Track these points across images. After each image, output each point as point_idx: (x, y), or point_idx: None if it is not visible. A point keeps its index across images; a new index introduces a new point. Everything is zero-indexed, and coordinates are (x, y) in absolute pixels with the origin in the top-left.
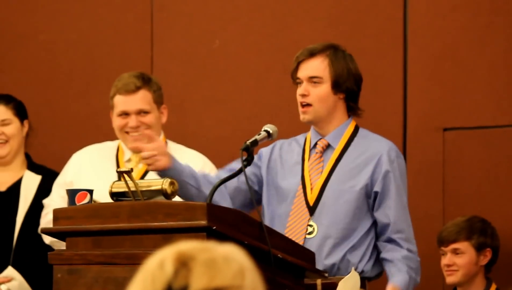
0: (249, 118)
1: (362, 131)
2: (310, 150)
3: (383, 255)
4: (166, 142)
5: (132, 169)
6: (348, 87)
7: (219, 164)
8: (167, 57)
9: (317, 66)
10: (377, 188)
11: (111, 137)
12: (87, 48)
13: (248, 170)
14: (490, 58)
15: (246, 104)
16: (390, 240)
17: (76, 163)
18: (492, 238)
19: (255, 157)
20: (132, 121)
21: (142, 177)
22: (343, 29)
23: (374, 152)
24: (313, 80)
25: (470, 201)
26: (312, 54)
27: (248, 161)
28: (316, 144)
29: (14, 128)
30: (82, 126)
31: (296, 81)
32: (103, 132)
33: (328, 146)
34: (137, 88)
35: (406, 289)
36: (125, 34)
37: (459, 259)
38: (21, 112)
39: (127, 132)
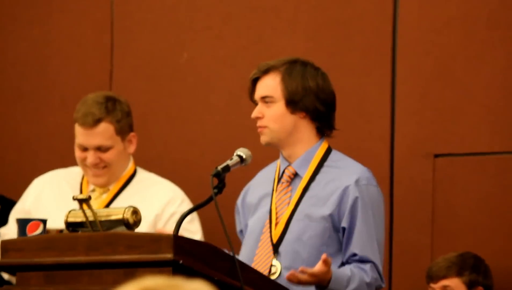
0: (220, 141)
1: (334, 155)
2: (279, 179)
3: None
4: (135, 170)
5: (90, 197)
6: (306, 105)
7: (187, 192)
8: (129, 72)
9: (268, 85)
10: (344, 223)
11: (66, 159)
12: (38, 60)
13: (238, 227)
14: (487, 78)
15: (217, 125)
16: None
17: (36, 189)
18: (485, 276)
19: (236, 213)
20: (90, 157)
21: None
22: (326, 44)
23: (341, 181)
24: (265, 100)
25: (461, 235)
26: (265, 71)
27: (219, 189)
28: (284, 172)
29: None
30: (34, 148)
31: (254, 103)
32: (57, 155)
33: (296, 174)
34: (97, 122)
35: (341, 280)
36: (81, 45)
37: None
38: None
39: (87, 165)
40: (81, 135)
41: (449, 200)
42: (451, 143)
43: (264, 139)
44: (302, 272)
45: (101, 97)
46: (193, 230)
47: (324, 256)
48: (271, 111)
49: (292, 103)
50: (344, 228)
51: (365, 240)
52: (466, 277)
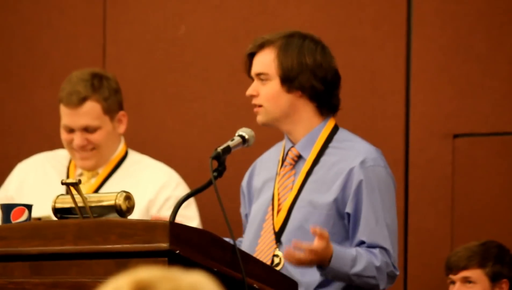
0: (221, 120)
1: (340, 134)
2: (283, 161)
3: None
4: (126, 152)
5: (80, 181)
6: (302, 84)
7: (184, 175)
8: (123, 46)
9: (263, 61)
10: (348, 208)
11: (56, 141)
12: (26, 34)
13: (243, 211)
14: (510, 51)
15: (217, 103)
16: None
17: (19, 174)
18: (510, 267)
19: (241, 196)
20: (77, 139)
21: None
22: (335, 15)
23: (346, 163)
24: (260, 77)
25: (484, 222)
26: (260, 46)
27: (219, 172)
28: (287, 154)
29: None
30: (21, 128)
31: (252, 79)
32: (46, 135)
33: (300, 156)
34: (82, 100)
35: (342, 258)
36: (72, 18)
37: (470, 289)
38: None
39: (74, 148)
40: (66, 115)
41: (470, 184)
42: (472, 122)
43: (260, 119)
44: (296, 247)
45: (87, 74)
46: (189, 215)
47: (316, 229)
48: (266, 89)
49: (287, 81)
50: (348, 214)
51: (373, 226)
52: (489, 268)
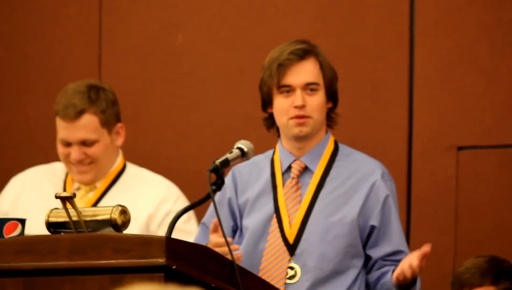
0: (219, 132)
1: (343, 149)
2: (283, 174)
3: (376, 274)
4: (124, 165)
5: (74, 194)
6: (335, 95)
7: (182, 188)
8: (119, 56)
9: (312, 71)
10: (374, 221)
11: (50, 153)
12: (20, 44)
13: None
14: None
15: (215, 115)
16: (389, 264)
17: (14, 189)
18: None
19: (226, 208)
20: (74, 153)
21: None
22: (336, 24)
23: (363, 176)
24: (310, 87)
25: (488, 235)
26: (305, 54)
27: (218, 186)
28: (290, 167)
29: None
30: (15, 141)
31: (280, 89)
32: (41, 148)
33: (305, 169)
34: (79, 113)
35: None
36: (67, 27)
37: None
38: None
39: (71, 162)
40: (63, 129)
41: (474, 197)
42: (476, 134)
43: (306, 130)
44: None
45: (83, 86)
46: (189, 230)
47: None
48: (315, 100)
49: (329, 92)
50: (373, 226)
51: (399, 235)
52: (503, 285)
